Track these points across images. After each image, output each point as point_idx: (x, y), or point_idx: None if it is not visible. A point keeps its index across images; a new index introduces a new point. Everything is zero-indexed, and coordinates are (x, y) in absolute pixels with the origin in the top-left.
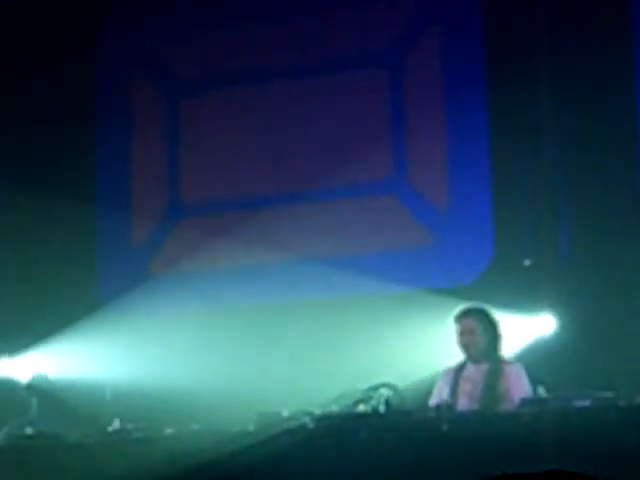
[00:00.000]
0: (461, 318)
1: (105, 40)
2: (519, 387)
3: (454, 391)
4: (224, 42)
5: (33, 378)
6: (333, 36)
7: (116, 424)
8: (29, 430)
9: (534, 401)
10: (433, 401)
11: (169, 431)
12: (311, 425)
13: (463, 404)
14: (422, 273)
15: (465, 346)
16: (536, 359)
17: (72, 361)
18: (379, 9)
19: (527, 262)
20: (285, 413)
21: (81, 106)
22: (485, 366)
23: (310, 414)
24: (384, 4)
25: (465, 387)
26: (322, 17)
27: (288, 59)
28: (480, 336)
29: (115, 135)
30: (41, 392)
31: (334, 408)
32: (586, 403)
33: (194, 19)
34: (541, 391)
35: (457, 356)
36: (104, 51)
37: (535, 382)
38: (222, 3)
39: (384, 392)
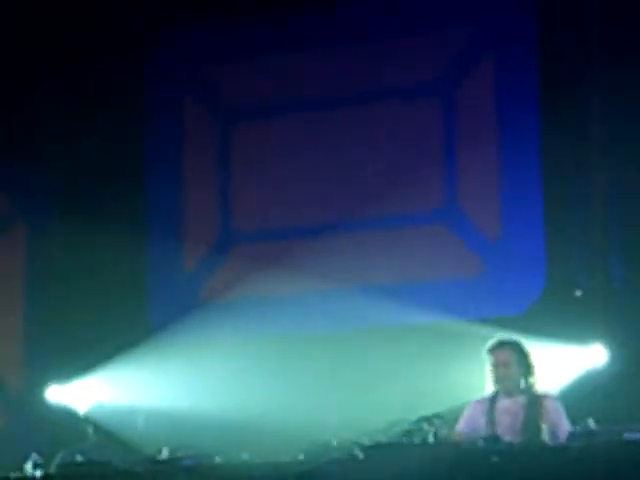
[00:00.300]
0: (495, 350)
1: (156, 68)
2: (560, 420)
3: (492, 423)
4: (279, 69)
5: (90, 407)
6: (388, 64)
7: (165, 452)
8: (80, 458)
9: (583, 434)
10: (463, 431)
11: (219, 460)
12: (361, 455)
13: (504, 437)
14: (473, 303)
15: (500, 378)
16: (586, 391)
17: (124, 389)
18: (435, 37)
19: (578, 293)
20: (334, 442)
21: (133, 133)
22: (521, 399)
23: (359, 444)
24: (439, 32)
25: (504, 420)
26: (376, 45)
27: (343, 87)
28: (515, 368)
29: (167, 161)
30: (97, 421)
31: (384, 438)
32: (636, 436)
33: (249, 46)
34: (590, 424)
35: None
36: (156, 79)
37: (585, 414)
38: (279, 31)
39: (434, 423)
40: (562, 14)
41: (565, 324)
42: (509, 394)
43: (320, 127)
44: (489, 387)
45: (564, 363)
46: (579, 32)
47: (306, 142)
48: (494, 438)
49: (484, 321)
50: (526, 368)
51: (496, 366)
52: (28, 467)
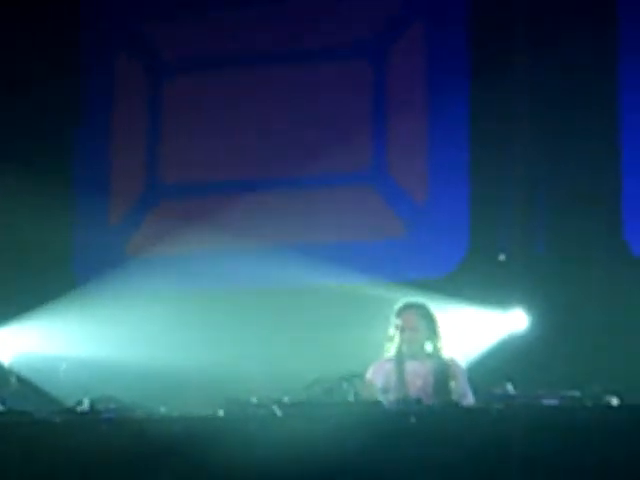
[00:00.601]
0: (403, 313)
1: (89, 22)
2: (466, 386)
3: (403, 385)
4: (209, 25)
5: (13, 357)
6: (318, 24)
7: (86, 404)
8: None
9: (502, 398)
10: (371, 393)
11: (138, 413)
12: (280, 413)
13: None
14: (397, 265)
15: (408, 342)
16: (506, 355)
17: (48, 339)
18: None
19: (502, 257)
20: (254, 399)
21: (63, 87)
22: (429, 362)
23: (279, 402)
24: None
25: (416, 382)
26: (307, 4)
27: (272, 46)
28: (422, 332)
29: (96, 116)
30: (20, 371)
31: (304, 397)
32: (554, 402)
33: (180, 1)
34: (509, 388)
35: None
36: (88, 33)
37: (504, 379)
38: None
39: (354, 383)
40: None
41: (487, 288)
42: (414, 357)
43: (250, 85)
44: (392, 349)
45: (485, 327)
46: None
47: (235, 99)
48: (417, 400)
49: (407, 283)
50: (433, 332)
51: (403, 329)
52: None
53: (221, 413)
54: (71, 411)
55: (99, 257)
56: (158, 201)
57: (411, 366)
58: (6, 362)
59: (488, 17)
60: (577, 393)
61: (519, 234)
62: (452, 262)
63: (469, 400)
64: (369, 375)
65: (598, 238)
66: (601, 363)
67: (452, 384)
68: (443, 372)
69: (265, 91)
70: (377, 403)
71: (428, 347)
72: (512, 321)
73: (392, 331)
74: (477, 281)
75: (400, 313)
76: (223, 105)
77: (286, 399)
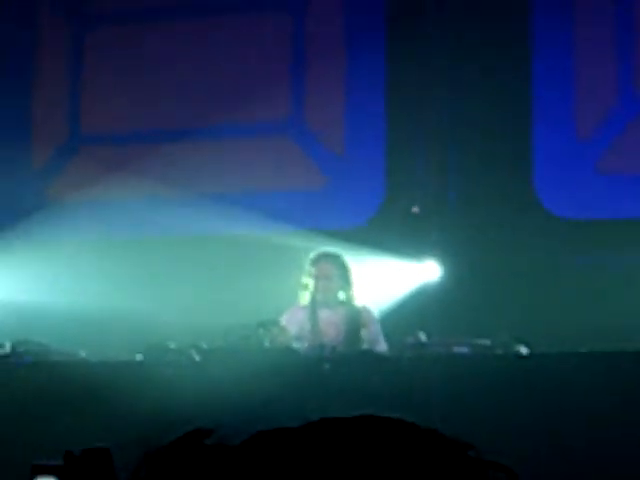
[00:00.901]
0: (318, 262)
1: None
2: (378, 332)
3: (316, 332)
4: None
5: None
6: None
7: (7, 347)
8: None
9: (414, 345)
10: (287, 339)
11: (58, 357)
12: (197, 358)
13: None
14: (313, 215)
15: (321, 290)
16: (419, 305)
17: None
18: None
19: (415, 209)
20: (172, 345)
21: None
22: (342, 310)
23: (197, 347)
24: None
25: (329, 330)
26: None
27: None
28: (335, 281)
29: (18, 66)
30: None
31: (221, 343)
32: (464, 350)
33: None
34: (422, 336)
35: None
36: None
37: (416, 327)
38: None
39: (270, 329)
40: None
41: (402, 240)
42: (328, 305)
43: (170, 37)
44: (306, 297)
45: (399, 277)
46: None
47: (157, 50)
48: (326, 346)
49: (324, 232)
50: (346, 281)
51: (317, 277)
52: None
53: (140, 358)
54: None
55: (21, 202)
56: (78, 149)
57: (324, 314)
58: None
59: None
60: (487, 341)
61: (433, 188)
62: (368, 213)
63: (382, 347)
64: (283, 322)
65: (510, 193)
66: (510, 312)
67: (364, 332)
68: (355, 320)
69: (185, 43)
70: (293, 350)
71: (341, 295)
72: (425, 271)
73: (306, 279)
74: (392, 232)
75: (315, 262)
76: (143, 57)
77: (204, 345)
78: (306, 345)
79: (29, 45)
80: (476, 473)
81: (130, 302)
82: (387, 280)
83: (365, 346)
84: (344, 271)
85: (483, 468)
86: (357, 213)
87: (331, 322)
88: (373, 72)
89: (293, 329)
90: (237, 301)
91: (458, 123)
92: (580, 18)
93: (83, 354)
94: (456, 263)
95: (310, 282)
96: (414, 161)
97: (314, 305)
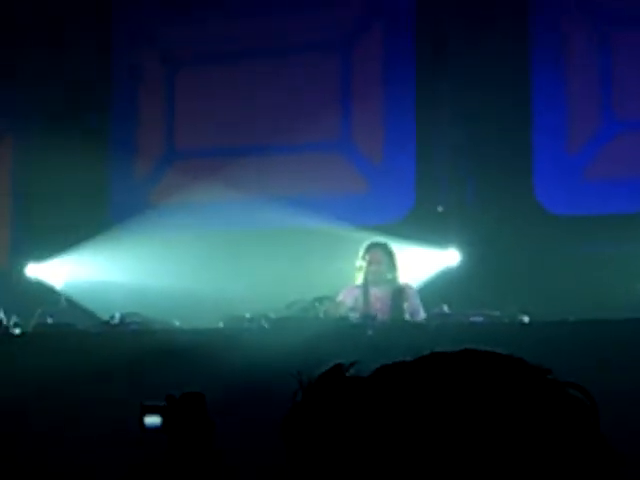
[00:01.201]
0: (370, 250)
1: (121, 27)
2: (417, 304)
3: (367, 306)
4: (212, 30)
5: (63, 282)
6: (302, 24)
7: (117, 317)
8: (50, 320)
9: (439, 315)
10: (338, 311)
11: (156, 326)
12: (266, 326)
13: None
14: (360, 214)
15: (373, 273)
16: (444, 284)
17: (89, 268)
18: (336, 5)
19: (440, 209)
20: (247, 315)
21: (100, 75)
22: (388, 287)
23: (267, 317)
24: (339, 3)
25: (376, 304)
26: (291, 11)
27: (272, 42)
28: (384, 265)
29: (126, 99)
30: (67, 292)
31: (286, 314)
32: (479, 319)
33: (189, 13)
34: (445, 308)
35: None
36: (120, 34)
37: (441, 301)
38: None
39: (324, 303)
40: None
41: (429, 232)
42: (377, 284)
43: (245, 73)
44: (360, 278)
45: (427, 262)
46: (446, 10)
47: (234, 85)
48: (371, 316)
49: (368, 228)
50: (392, 265)
51: (370, 262)
52: (10, 326)
53: (222, 326)
54: (105, 323)
55: (128, 205)
56: (173, 162)
57: (374, 291)
58: (57, 286)
59: (429, 22)
60: (497, 312)
61: (453, 192)
62: (402, 212)
63: (421, 316)
64: (341, 297)
65: (515, 195)
66: (515, 289)
67: (406, 305)
68: (399, 296)
69: (257, 79)
70: (344, 319)
71: (388, 276)
72: (448, 258)
73: (360, 263)
74: (421, 227)
75: (368, 250)
76: (222, 90)
77: (272, 316)
78: (357, 316)
79: (135, 83)
80: (559, 393)
81: (214, 282)
82: (418, 264)
83: (407, 316)
84: (390, 257)
85: (563, 388)
86: (393, 212)
87: (379, 297)
88: (405, 99)
89: (349, 303)
90: (300, 281)
91: (474, 140)
92: (571, 58)
93: (177, 323)
94: (473, 251)
95: (363, 265)
96: (439, 170)
97: (366, 284)
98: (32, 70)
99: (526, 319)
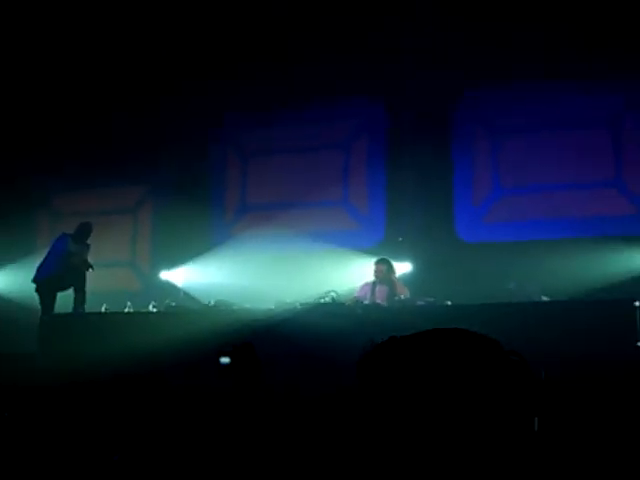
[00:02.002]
0: (377, 263)
1: (216, 132)
2: (406, 297)
3: (374, 296)
4: (269, 135)
5: (182, 282)
6: (319, 133)
7: (212, 302)
8: (173, 304)
9: (398, 301)
10: (359, 297)
11: (235, 307)
12: (299, 307)
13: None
14: (351, 241)
15: (378, 276)
16: (405, 282)
17: (197, 274)
18: (342, 117)
19: (400, 239)
20: (288, 301)
21: (203, 163)
22: (388, 285)
23: (299, 302)
24: (341, 118)
25: (380, 295)
26: (314, 125)
27: (303, 143)
28: (385, 272)
29: (219, 176)
30: (184, 288)
31: (309, 300)
32: (422, 303)
33: (257, 127)
34: (402, 297)
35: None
36: (216, 137)
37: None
38: (269, 121)
39: (332, 294)
40: (400, 119)
41: (393, 253)
42: (381, 283)
43: (286, 161)
44: (370, 278)
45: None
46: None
47: (280, 166)
48: (361, 302)
49: (357, 250)
50: (390, 271)
51: (376, 271)
52: (150, 308)
53: (273, 307)
54: (206, 306)
55: (221, 236)
56: (246, 212)
57: (378, 287)
58: (178, 284)
59: (397, 133)
60: (432, 299)
61: (408, 228)
62: (377, 241)
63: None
64: (359, 289)
65: (443, 230)
66: (444, 286)
67: (398, 297)
68: (394, 290)
69: (294, 164)
70: (341, 303)
71: (387, 278)
72: (404, 267)
73: (373, 270)
74: (388, 250)
75: (376, 263)
76: (274, 172)
77: (302, 302)
78: (366, 302)
79: (222, 166)
80: (504, 358)
81: (268, 282)
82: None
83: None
84: (389, 266)
85: (507, 354)
86: (371, 241)
87: (381, 291)
88: (380, 178)
89: (364, 292)
90: (317, 283)
91: (419, 200)
92: (476, 151)
93: (248, 306)
94: (418, 264)
95: (373, 271)
96: (398, 218)
97: (374, 283)
98: (167, 162)
99: (449, 303)
